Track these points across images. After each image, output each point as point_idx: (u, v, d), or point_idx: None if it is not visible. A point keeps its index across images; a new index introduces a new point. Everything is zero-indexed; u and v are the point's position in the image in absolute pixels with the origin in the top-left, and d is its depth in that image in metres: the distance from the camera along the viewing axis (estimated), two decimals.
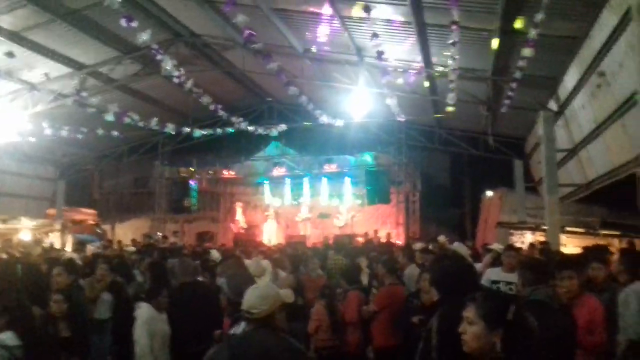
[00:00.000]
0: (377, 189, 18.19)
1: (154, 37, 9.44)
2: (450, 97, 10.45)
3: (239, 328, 3.43)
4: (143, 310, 5.26)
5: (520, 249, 12.11)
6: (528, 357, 2.27)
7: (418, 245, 12.73)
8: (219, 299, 5.16)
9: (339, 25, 9.97)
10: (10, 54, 10.24)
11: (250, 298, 3.10)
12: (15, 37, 10.70)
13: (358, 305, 6.18)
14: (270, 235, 19.95)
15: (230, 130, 13.91)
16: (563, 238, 12.51)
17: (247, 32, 8.06)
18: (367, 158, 19.76)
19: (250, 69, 13.50)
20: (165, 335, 5.28)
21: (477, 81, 11.16)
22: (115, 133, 13.45)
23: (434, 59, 10.77)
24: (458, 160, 19.15)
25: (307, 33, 11.13)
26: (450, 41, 8.34)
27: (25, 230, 16.77)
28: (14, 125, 12.30)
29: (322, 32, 9.70)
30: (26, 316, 4.27)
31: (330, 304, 6.26)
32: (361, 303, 6.23)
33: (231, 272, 5.47)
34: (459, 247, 9.52)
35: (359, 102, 11.87)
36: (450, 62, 8.99)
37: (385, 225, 19.06)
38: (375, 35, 8.85)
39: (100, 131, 12.98)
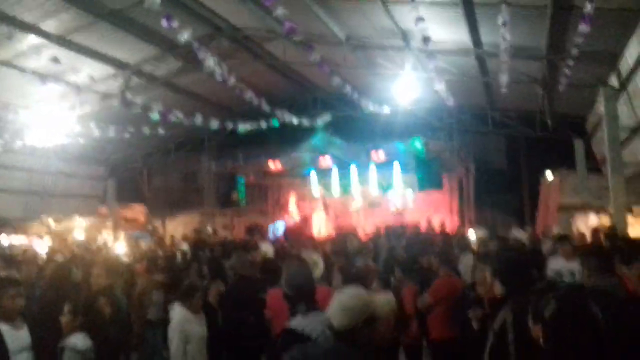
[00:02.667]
0: (428, 176, 17.74)
1: (195, 33, 9.32)
2: (503, 79, 9.93)
3: (294, 321, 3.26)
4: (176, 312, 5.20)
5: (583, 235, 11.57)
6: (582, 348, 2.27)
7: (472, 232, 12.38)
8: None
9: (381, 10, 9.58)
10: (55, 60, 10.33)
11: (332, 305, 2.74)
12: (60, 40, 10.80)
13: (415, 297, 6.06)
14: (320, 226, 19.76)
15: (275, 122, 13.72)
16: (630, 219, 11.83)
17: (288, 24, 7.81)
18: (417, 144, 19.20)
19: (292, 60, 13.25)
20: (202, 338, 5.21)
21: (530, 60, 10.54)
22: (161, 131, 13.49)
23: (484, 39, 10.20)
24: (514, 142, 18.43)
25: (348, 20, 10.77)
26: (500, 21, 7.84)
27: (78, 229, 17.24)
28: (62, 127, 12.49)
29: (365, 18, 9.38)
30: (97, 317, 4.35)
31: (395, 296, 6.13)
32: (416, 295, 6.09)
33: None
34: (517, 232, 9.18)
35: (405, 88, 11.47)
36: (501, 42, 8.49)
37: (438, 212, 18.53)
38: (420, 19, 8.40)
39: (146, 130, 13.04)
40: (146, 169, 20.78)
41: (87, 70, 12.35)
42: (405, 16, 9.63)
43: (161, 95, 13.60)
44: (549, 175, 15.53)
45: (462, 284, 5.93)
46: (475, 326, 5.12)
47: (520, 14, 8.42)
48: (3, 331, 4.12)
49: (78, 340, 4.00)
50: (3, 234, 14.89)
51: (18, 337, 4.22)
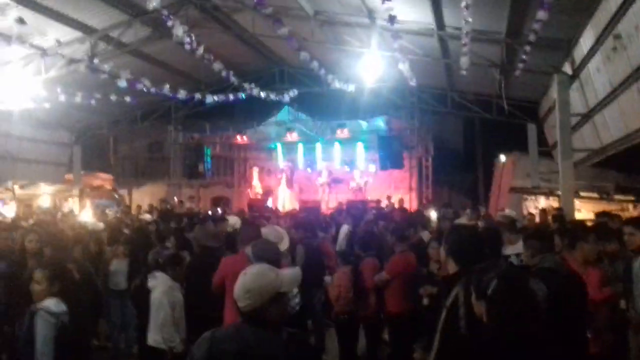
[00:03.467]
0: (390, 154, 18.16)
1: (163, 0, 9.34)
2: (463, 61, 10.29)
3: None
4: (160, 281, 5.27)
5: (533, 215, 12.19)
6: (523, 324, 2.35)
7: (430, 212, 12.86)
8: None
9: None
10: (21, 20, 10.19)
11: (237, 287, 2.65)
12: (25, 1, 10.62)
13: (373, 272, 6.27)
14: (284, 200, 20.11)
15: (242, 95, 13.87)
16: (577, 203, 12.49)
17: None
18: (380, 123, 19.69)
19: (261, 33, 13.35)
20: (182, 303, 5.33)
21: (490, 44, 10.96)
22: (127, 99, 13.50)
23: (447, 21, 10.57)
24: (471, 124, 18.99)
25: None
26: (463, 3, 8.15)
27: (44, 195, 17.12)
28: (28, 91, 12.37)
29: None
30: (70, 283, 4.35)
31: (354, 271, 6.37)
32: (376, 270, 6.30)
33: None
34: (469, 213, 9.59)
35: (371, 66, 11.72)
36: (463, 24, 8.82)
37: (398, 190, 19.10)
38: None
39: (113, 97, 13.04)
40: (113, 136, 20.65)
41: (54, 33, 12.21)
42: None
43: (129, 63, 13.52)
44: (502, 157, 16.18)
45: (414, 260, 6.21)
46: (425, 302, 5.49)
47: None
48: None
49: (52, 304, 3.97)
50: None
51: None
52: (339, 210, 14.32)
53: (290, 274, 2.84)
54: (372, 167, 19.85)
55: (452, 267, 3.24)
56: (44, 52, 12.68)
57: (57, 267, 4.34)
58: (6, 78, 12.04)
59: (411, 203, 18.08)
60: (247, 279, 2.64)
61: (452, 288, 3.08)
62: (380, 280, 6.15)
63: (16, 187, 15.98)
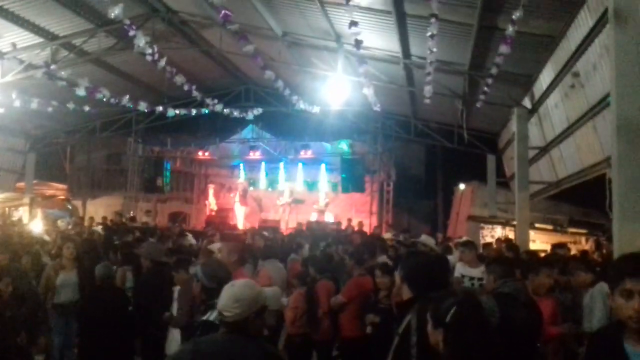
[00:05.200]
0: (352, 177, 18.24)
1: (130, 11, 9.20)
2: (427, 90, 10.44)
3: (212, 315, 3.24)
4: None
5: (490, 244, 12.35)
6: (480, 351, 2.30)
7: (387, 236, 12.89)
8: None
9: (318, 10, 9.86)
10: None
11: (224, 297, 2.71)
12: None
13: (328, 295, 6.16)
14: (242, 218, 19.89)
15: (205, 110, 13.72)
16: (532, 234, 12.73)
17: (223, 11, 7.90)
18: (343, 146, 19.79)
19: (228, 50, 13.28)
20: None
21: (453, 74, 11.17)
22: (86, 108, 13.16)
23: (413, 50, 10.73)
24: (432, 152, 19.29)
25: (286, 16, 10.98)
26: (429, 33, 8.27)
27: None
28: None
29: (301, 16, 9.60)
30: None
31: (309, 292, 6.25)
32: (331, 292, 6.21)
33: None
34: (426, 239, 9.60)
35: (336, 90, 11.78)
36: (428, 54, 8.95)
37: (359, 213, 19.14)
38: (354, 23, 8.73)
39: (71, 105, 12.69)
40: (69, 146, 20.07)
41: (12, 37, 11.87)
42: (340, 18, 9.98)
43: (90, 72, 13.23)
44: (462, 186, 16.45)
45: (371, 285, 6.05)
46: (369, 331, 5.44)
47: (447, 29, 8.89)
48: None
49: None
50: None
51: None
52: (299, 231, 14.22)
53: (273, 290, 2.95)
54: (334, 189, 19.88)
55: (406, 293, 3.18)
56: (1, 56, 12.28)
57: None
58: None
59: (371, 227, 18.11)
60: (237, 290, 2.72)
61: (405, 314, 3.03)
62: (336, 303, 6.07)
63: None
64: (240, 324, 2.64)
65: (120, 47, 13.03)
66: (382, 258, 7.70)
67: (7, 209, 17.69)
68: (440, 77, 10.59)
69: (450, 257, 7.53)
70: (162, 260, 6.23)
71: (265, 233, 10.95)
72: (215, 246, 8.55)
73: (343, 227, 16.65)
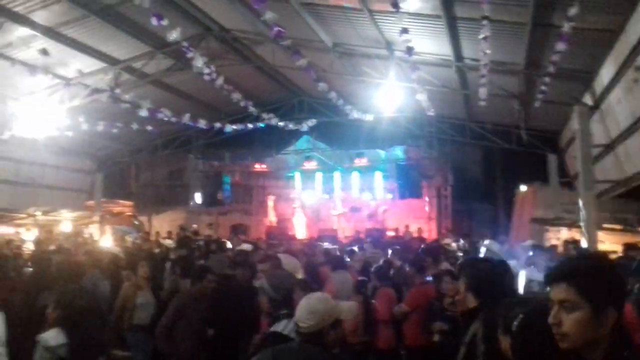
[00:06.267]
0: (408, 183, 18.15)
1: (185, 32, 9.54)
2: (482, 92, 10.29)
3: (279, 326, 3.35)
4: None
5: (555, 247, 11.94)
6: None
7: (447, 241, 12.73)
8: (254, 296, 5.21)
9: (367, 19, 9.93)
10: (44, 52, 10.45)
11: (300, 309, 2.82)
12: (50, 32, 10.92)
13: (390, 303, 6.18)
14: (301, 228, 20.10)
15: (261, 125, 14.00)
16: (600, 235, 12.21)
17: (276, 29, 8.08)
18: (398, 152, 19.69)
19: (281, 64, 13.53)
20: None
21: (509, 75, 10.95)
22: (149, 128, 13.70)
23: (465, 53, 10.61)
24: (490, 154, 18.86)
25: (335, 27, 11.10)
26: (482, 36, 8.18)
27: (65, 221, 17.35)
28: (52, 119, 12.65)
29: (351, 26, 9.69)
30: (77, 313, 4.12)
31: (365, 301, 6.27)
32: (393, 300, 6.21)
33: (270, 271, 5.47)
34: (491, 244, 9.40)
35: (389, 97, 11.80)
36: (481, 55, 8.85)
37: (416, 219, 18.96)
38: (404, 30, 8.75)
39: (134, 126, 13.24)
40: (134, 164, 20.95)
41: (77, 63, 12.53)
42: (389, 26, 10.01)
43: (150, 93, 13.79)
44: (522, 187, 15.98)
45: (434, 293, 6.05)
46: (436, 339, 5.38)
47: (500, 29, 8.75)
48: None
49: (50, 336, 3.84)
50: None
51: None
52: (357, 239, 14.26)
53: (349, 305, 3.09)
54: (390, 196, 19.79)
55: (471, 302, 3.15)
56: (67, 81, 12.98)
57: (60, 294, 4.29)
58: (30, 107, 12.35)
59: (430, 233, 17.89)
60: (312, 302, 2.84)
61: (470, 323, 3.01)
62: (399, 312, 6.06)
63: (39, 213, 16.22)
64: (315, 336, 2.73)
65: (178, 68, 13.52)
66: (444, 265, 7.63)
67: (78, 226, 18.60)
68: (494, 78, 10.41)
69: (513, 262, 7.37)
70: (225, 272, 6.40)
71: (327, 244, 11.04)
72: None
73: (400, 233, 16.55)
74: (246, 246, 9.75)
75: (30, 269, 7.71)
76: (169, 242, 13.78)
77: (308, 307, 2.80)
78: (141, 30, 11.91)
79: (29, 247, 13.41)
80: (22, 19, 10.13)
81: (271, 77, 16.32)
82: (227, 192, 20.29)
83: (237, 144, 19.43)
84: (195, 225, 19.03)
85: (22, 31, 10.48)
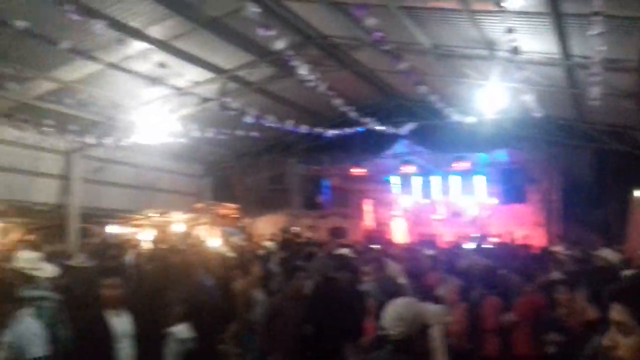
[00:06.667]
0: (512, 188, 17.51)
1: (286, 41, 9.88)
2: (593, 91, 9.74)
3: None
4: None
5: None
6: None
7: (557, 248, 12.10)
8: (358, 299, 5.31)
9: (467, 20, 9.75)
10: (162, 65, 11.24)
11: (387, 315, 2.78)
12: (163, 45, 11.78)
13: (496, 311, 6.04)
14: (400, 233, 19.98)
15: (361, 129, 14.14)
16: None
17: (377, 34, 8.16)
18: (501, 155, 18.99)
19: (378, 67, 13.61)
20: None
21: (621, 72, 10.25)
22: (253, 134, 14.32)
23: (574, 50, 10.08)
24: (601, 156, 17.64)
25: (434, 29, 11.00)
26: (595, 32, 7.74)
27: (177, 222, 18.53)
28: (165, 127, 13.60)
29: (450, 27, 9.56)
30: (200, 309, 4.55)
31: (471, 309, 6.17)
32: (499, 309, 6.06)
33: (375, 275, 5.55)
34: (609, 254, 8.85)
35: (491, 98, 11.47)
36: (592, 52, 8.38)
37: (521, 225, 18.16)
38: (509, 30, 8.49)
39: (240, 132, 13.89)
40: (238, 169, 21.93)
41: (187, 74, 13.37)
42: (490, 26, 9.77)
43: (254, 100, 14.41)
44: (637, 193, 14.79)
45: (544, 302, 5.84)
46: (550, 350, 5.15)
47: (612, 25, 8.25)
48: (106, 318, 4.44)
49: (180, 329, 4.25)
50: (111, 224, 16.41)
51: (120, 323, 4.52)
52: (459, 245, 13.98)
53: (436, 309, 3.05)
54: (493, 201, 19.15)
55: (591, 313, 3.05)
56: (180, 91, 13.89)
57: (185, 292, 4.63)
58: (147, 115, 13.36)
59: (537, 239, 17.09)
60: (399, 308, 2.77)
61: (590, 336, 2.88)
62: (507, 321, 5.89)
63: (153, 213, 17.48)
64: (405, 342, 2.68)
65: (280, 76, 14.03)
66: (556, 274, 7.29)
67: (188, 228, 19.76)
68: (607, 77, 9.79)
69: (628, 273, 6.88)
70: (329, 275, 6.55)
71: (431, 251, 10.95)
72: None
73: (504, 240, 15.98)
74: (345, 250, 9.89)
75: (149, 268, 8.29)
76: (269, 244, 14.32)
77: (395, 313, 2.74)
78: (245, 41, 12.51)
79: (146, 246, 14.49)
80: (139, 34, 11.02)
81: (368, 81, 16.44)
82: (326, 196, 20.66)
83: (336, 148, 19.72)
84: (296, 228, 19.53)
85: (139, 45, 11.39)
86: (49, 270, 5.31)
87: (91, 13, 8.57)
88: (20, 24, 8.07)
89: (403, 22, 10.60)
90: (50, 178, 14.77)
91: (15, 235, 15.27)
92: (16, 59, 10.46)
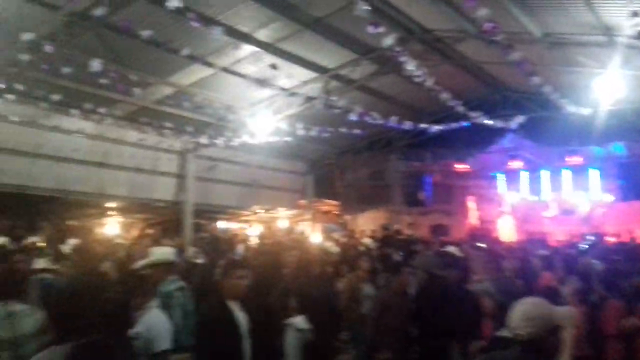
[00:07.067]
0: (632, 183, 16.28)
1: (389, 37, 9.87)
2: None
3: (506, 331, 3.19)
4: None
5: None
6: None
7: None
8: (468, 298, 5.24)
9: (583, 5, 9.24)
10: (274, 66, 11.65)
11: (515, 315, 2.68)
12: (270, 48, 12.20)
13: (619, 316, 5.72)
14: (507, 231, 19.29)
15: (466, 123, 13.83)
16: None
17: (488, 24, 7.94)
18: (618, 148, 17.73)
19: (483, 60, 13.22)
20: None
21: None
22: (356, 131, 14.46)
23: None
24: None
25: (545, 17, 10.51)
26: None
27: (282, 219, 19.19)
28: (270, 126, 14.11)
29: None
30: (314, 301, 4.67)
31: (591, 312, 5.89)
32: (623, 313, 5.74)
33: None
34: None
35: (609, 87, 10.74)
36: None
37: None
38: (635, 13, 7.93)
39: (343, 130, 14.09)
40: (339, 166, 22.23)
41: (294, 75, 13.75)
42: (612, 10, 9.19)
43: (356, 97, 14.53)
44: None
45: None
46: None
47: None
48: (233, 310, 4.47)
49: (299, 321, 4.41)
50: (221, 220, 17.32)
51: (240, 314, 4.58)
52: (574, 244, 13.27)
53: (565, 310, 2.88)
54: (609, 197, 17.92)
55: None
56: (285, 92, 14.33)
57: (299, 287, 4.79)
58: (255, 116, 13.93)
59: None
60: (528, 308, 2.68)
61: None
62: (631, 326, 5.55)
63: (261, 210, 18.21)
64: (535, 343, 2.58)
65: (382, 72, 14.06)
66: None
67: (292, 224, 20.37)
68: None
69: None
70: (437, 272, 6.47)
71: (543, 250, 10.52)
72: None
73: (623, 240, 14.93)
74: (452, 248, 9.70)
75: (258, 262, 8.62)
76: (369, 241, 14.39)
77: (524, 312, 2.65)
78: (348, 39, 12.67)
79: (253, 241, 15.15)
80: (248, 38, 11.52)
81: (472, 73, 16.00)
82: (428, 192, 20.41)
83: (438, 144, 19.44)
84: (397, 225, 19.48)
85: (248, 48, 11.91)
86: (179, 264, 5.66)
87: (207, 20, 9.08)
88: (145, 33, 8.73)
89: (512, 11, 10.24)
90: (168, 177, 15.80)
91: (136, 230, 16.58)
92: (140, 66, 11.34)
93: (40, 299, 5.13)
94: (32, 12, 9.26)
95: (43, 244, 10.04)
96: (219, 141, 14.46)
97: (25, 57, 9.37)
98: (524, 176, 19.76)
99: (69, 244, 7.41)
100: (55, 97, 10.85)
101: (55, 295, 4.31)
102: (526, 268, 7.95)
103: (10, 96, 10.74)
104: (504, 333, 3.24)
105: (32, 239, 9.83)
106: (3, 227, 11.39)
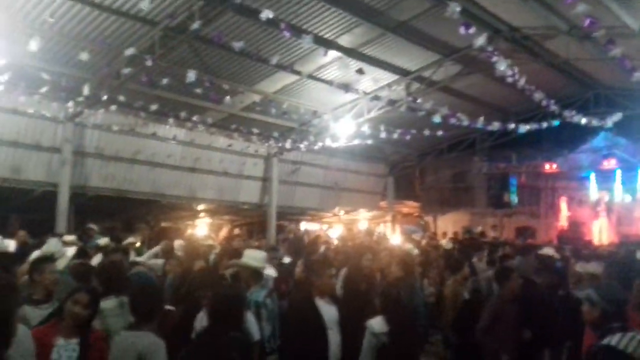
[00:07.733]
0: None
1: (476, 36, 9.69)
2: None
3: (613, 340, 3.09)
4: None
5: None
6: None
7: None
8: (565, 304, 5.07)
9: None
10: (360, 71, 11.75)
11: None
12: (353, 53, 12.30)
13: None
14: (601, 233, 18.38)
15: (556, 122, 13.33)
16: None
17: (588, 20, 7.65)
18: None
19: (575, 56, 12.68)
20: None
21: None
22: (440, 133, 14.30)
23: None
24: None
25: None
26: None
27: (362, 220, 19.30)
28: (352, 130, 14.25)
29: None
30: (396, 302, 4.61)
31: None
32: None
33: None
34: None
35: None
36: None
37: None
38: None
39: (427, 132, 13.98)
40: (419, 168, 22.05)
41: (375, 78, 13.82)
42: None
43: (438, 99, 14.36)
44: None
45: None
46: None
47: None
48: (319, 306, 4.74)
49: (376, 323, 4.28)
50: (302, 222, 17.67)
51: (330, 311, 4.79)
52: None
53: None
54: None
55: None
56: (367, 95, 14.41)
57: (382, 288, 4.82)
58: (337, 120, 14.13)
59: None
60: None
61: None
62: None
63: (342, 212, 18.40)
64: None
65: (466, 73, 13.79)
66: None
67: (372, 225, 20.42)
68: None
69: None
70: (530, 277, 6.29)
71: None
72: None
73: None
74: (548, 250, 9.33)
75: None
76: (444, 242, 14.13)
77: None
78: (431, 41, 12.54)
79: (335, 242, 15.29)
80: (331, 44, 11.67)
81: (562, 71, 15.36)
82: (513, 194, 19.81)
83: (524, 144, 18.79)
84: (479, 227, 19.05)
85: (331, 54, 12.04)
86: (270, 270, 5.75)
87: (296, 29, 9.34)
88: (237, 44, 9.13)
89: (606, 4, 9.78)
90: (254, 180, 16.35)
91: (224, 231, 17.25)
92: (229, 76, 11.84)
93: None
94: (132, 28, 9.91)
95: (139, 244, 10.66)
96: (302, 145, 14.78)
97: (127, 70, 10.11)
98: (618, 175, 18.74)
99: (177, 244, 7.88)
100: (153, 106, 11.57)
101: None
102: (624, 273, 7.55)
103: (113, 107, 11.58)
104: (611, 342, 3.08)
105: (130, 240, 10.47)
106: (105, 229, 12.23)
